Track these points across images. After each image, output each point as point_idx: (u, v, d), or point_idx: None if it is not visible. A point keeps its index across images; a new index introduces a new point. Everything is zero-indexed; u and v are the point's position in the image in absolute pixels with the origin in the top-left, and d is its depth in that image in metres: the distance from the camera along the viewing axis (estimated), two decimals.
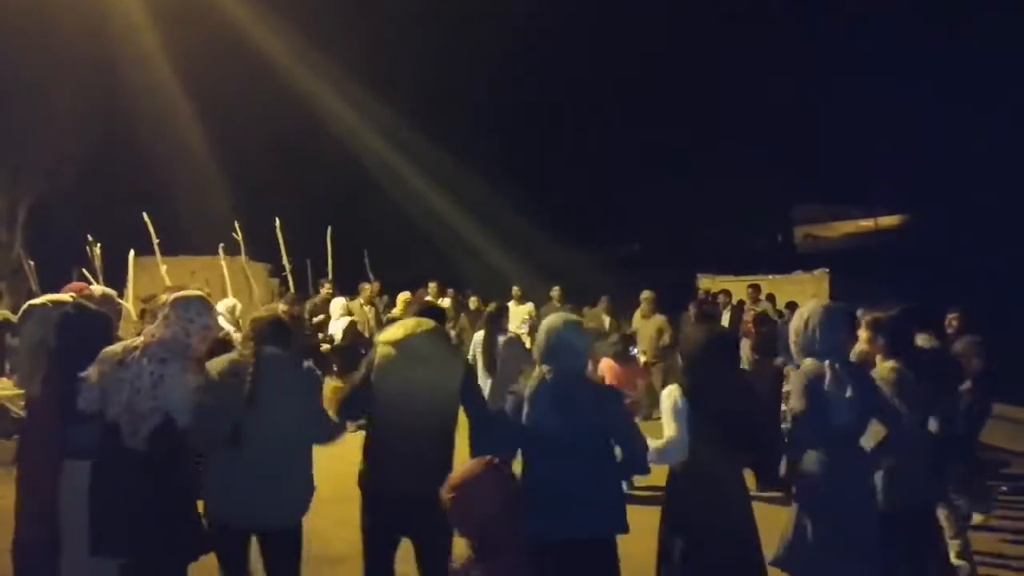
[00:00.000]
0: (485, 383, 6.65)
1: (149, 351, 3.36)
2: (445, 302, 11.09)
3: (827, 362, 3.22)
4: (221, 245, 11.13)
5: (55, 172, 15.49)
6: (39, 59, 13.91)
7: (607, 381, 6.81)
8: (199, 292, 3.78)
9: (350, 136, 18.92)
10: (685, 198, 26.84)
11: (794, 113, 26.16)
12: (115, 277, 9.71)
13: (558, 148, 25.84)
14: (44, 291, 10.06)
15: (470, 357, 7.08)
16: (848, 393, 3.16)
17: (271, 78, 17.28)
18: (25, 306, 4.25)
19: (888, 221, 29.96)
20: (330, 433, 3.48)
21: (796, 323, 3.38)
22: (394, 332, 3.53)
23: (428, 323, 3.54)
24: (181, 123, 16.46)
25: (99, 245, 10.04)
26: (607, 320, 9.96)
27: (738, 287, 12.11)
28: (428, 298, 10.99)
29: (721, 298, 11.30)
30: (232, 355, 3.45)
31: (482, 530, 2.35)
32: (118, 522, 3.21)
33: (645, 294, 9.79)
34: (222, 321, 9.01)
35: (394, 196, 20.40)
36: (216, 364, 3.38)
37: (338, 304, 9.35)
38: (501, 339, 6.55)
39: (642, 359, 8.00)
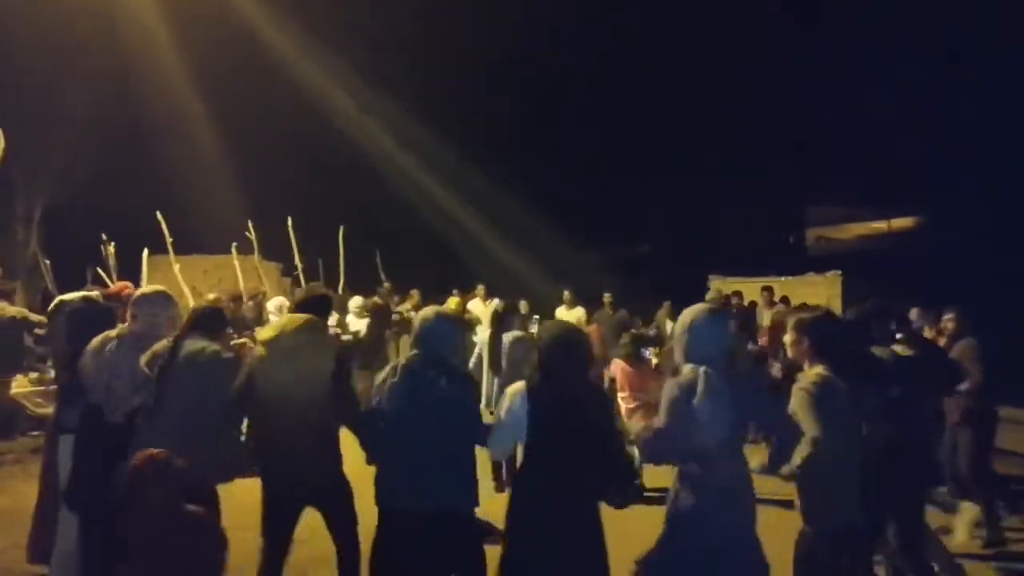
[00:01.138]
0: (491, 382, 6.62)
1: (126, 342, 3.88)
2: (491, 305, 11.06)
3: (701, 370, 2.99)
4: (234, 244, 11.20)
5: (70, 172, 15.59)
6: (54, 61, 14.02)
7: (618, 383, 6.78)
8: (159, 288, 4.25)
9: (362, 136, 19.00)
10: (696, 199, 26.77)
11: (807, 114, 26.04)
12: (129, 276, 9.77)
13: (568, 148, 25.82)
14: (60, 289, 10.18)
15: (475, 356, 7.04)
16: (719, 406, 2.92)
17: (284, 79, 17.38)
18: (56, 301, 4.88)
19: (902, 223, 29.75)
20: (233, 420, 3.77)
21: (678, 325, 3.20)
22: (268, 332, 3.77)
23: (299, 319, 3.73)
24: (194, 124, 16.57)
25: (113, 244, 10.11)
26: (670, 325, 9.80)
27: (750, 288, 12.06)
28: (475, 299, 11.05)
29: (734, 300, 11.26)
30: (157, 346, 3.78)
31: (147, 516, 2.58)
32: (92, 484, 3.68)
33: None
34: (274, 320, 9.23)
35: (405, 196, 20.47)
36: (144, 355, 3.79)
37: (355, 303, 9.49)
38: (507, 338, 6.51)
39: (654, 361, 7.94)
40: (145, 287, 4.26)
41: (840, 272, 14.23)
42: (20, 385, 8.02)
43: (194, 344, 3.68)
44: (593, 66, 25.21)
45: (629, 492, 3.24)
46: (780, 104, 26.41)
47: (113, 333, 4.00)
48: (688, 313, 3.19)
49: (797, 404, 3.14)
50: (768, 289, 11.06)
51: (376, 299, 9.82)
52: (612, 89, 26.37)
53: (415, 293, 11.00)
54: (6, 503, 6.10)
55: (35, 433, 8.11)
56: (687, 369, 3.08)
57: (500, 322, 6.76)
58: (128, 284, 5.33)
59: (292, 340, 3.63)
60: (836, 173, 27.29)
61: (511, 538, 3.13)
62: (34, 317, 6.64)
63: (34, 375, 8.09)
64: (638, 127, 27.32)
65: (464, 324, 3.72)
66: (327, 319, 4.05)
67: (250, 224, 11.36)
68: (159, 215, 10.23)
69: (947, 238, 21.33)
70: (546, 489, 3.06)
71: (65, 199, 15.66)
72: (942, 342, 5.69)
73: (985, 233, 19.54)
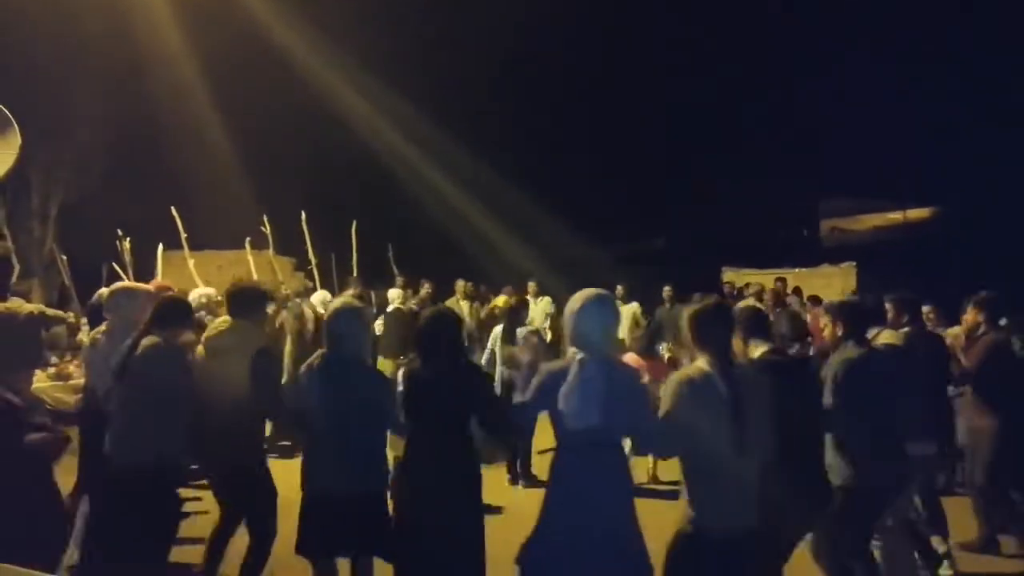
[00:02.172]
0: (504, 377, 6.60)
1: (116, 336, 4.24)
2: (542, 302, 11.10)
3: (577, 357, 3.00)
4: (248, 239, 11.26)
5: (85, 169, 15.73)
6: (68, 59, 14.13)
7: None
8: (122, 285, 4.82)
9: (375, 131, 19.01)
10: (710, 192, 26.65)
11: (820, 105, 25.84)
12: (144, 272, 9.86)
13: (582, 142, 25.75)
14: (77, 286, 10.27)
15: (488, 351, 7.05)
16: (585, 394, 2.91)
17: (297, 74, 17.41)
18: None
19: (917, 214, 29.49)
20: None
21: (566, 309, 3.20)
22: (208, 331, 4.18)
23: (226, 320, 4.12)
24: (208, 120, 16.64)
25: (128, 240, 10.19)
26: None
27: (763, 280, 12.01)
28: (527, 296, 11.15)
29: (747, 291, 11.20)
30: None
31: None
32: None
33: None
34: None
35: (417, 192, 20.48)
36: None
37: (396, 294, 9.60)
38: (520, 332, 6.52)
39: (667, 355, 7.93)
40: (109, 287, 4.76)
41: (855, 264, 14.14)
42: (39, 380, 8.12)
43: (148, 339, 3.93)
44: (608, 62, 25.11)
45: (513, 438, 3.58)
46: (794, 97, 26.21)
47: (102, 328, 4.44)
48: (575, 298, 3.16)
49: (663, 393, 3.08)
50: (781, 280, 11.00)
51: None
52: (627, 84, 26.26)
53: (461, 283, 11.21)
54: None
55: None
56: (569, 353, 3.11)
57: (512, 316, 6.77)
58: (166, 284, 5.82)
59: (219, 339, 4.02)
60: (850, 164, 27.08)
61: (397, 515, 3.48)
62: (51, 312, 6.70)
63: (52, 370, 8.18)
64: (651, 122, 27.22)
65: (366, 316, 4.02)
66: (255, 314, 4.23)
67: (264, 219, 11.42)
68: (173, 211, 10.30)
69: (964, 228, 21.12)
70: (424, 466, 3.35)
71: (81, 196, 15.80)
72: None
73: (1002, 223, 19.32)
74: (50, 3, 13.35)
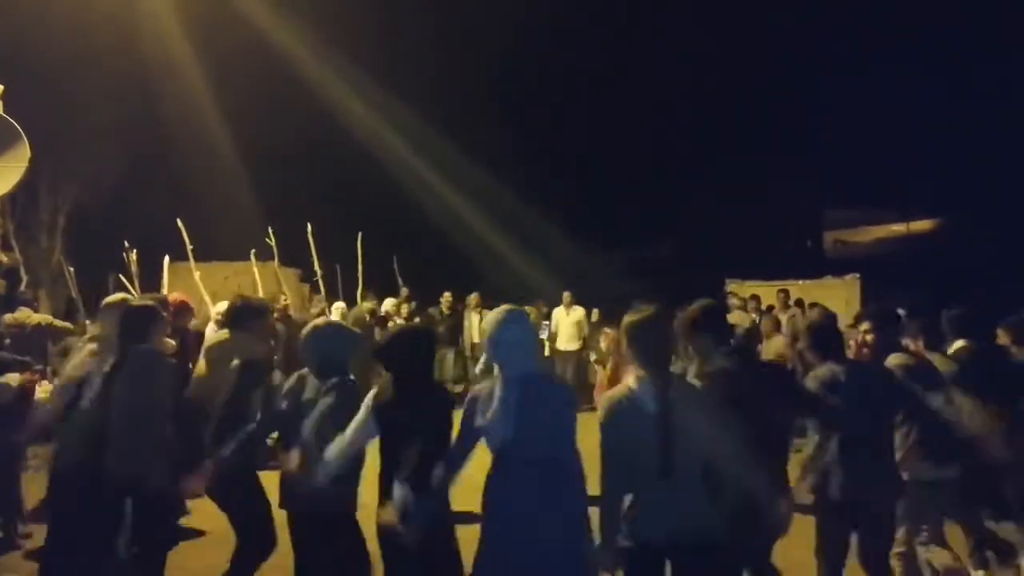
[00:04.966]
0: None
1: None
2: (575, 312, 11.23)
3: (498, 374, 3.09)
4: (253, 251, 11.31)
5: (92, 182, 15.82)
6: (76, 72, 14.25)
7: None
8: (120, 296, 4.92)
9: (381, 143, 19.12)
10: (714, 203, 26.70)
11: (823, 118, 25.91)
12: (150, 283, 9.91)
13: (586, 154, 25.83)
14: (84, 297, 10.34)
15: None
16: (497, 407, 2.98)
17: (303, 87, 17.54)
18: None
19: (921, 225, 29.49)
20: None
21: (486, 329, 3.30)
22: (207, 344, 4.72)
23: (226, 333, 4.50)
24: (214, 132, 16.76)
25: (135, 252, 10.24)
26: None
27: (767, 292, 12.01)
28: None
29: (750, 304, 11.20)
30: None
31: None
32: None
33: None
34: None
35: (423, 202, 20.55)
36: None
37: (338, 309, 9.72)
38: None
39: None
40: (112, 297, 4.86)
41: (858, 275, 14.13)
42: (45, 390, 8.14)
43: (142, 350, 4.07)
44: (615, 70, 25.21)
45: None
46: (797, 109, 26.28)
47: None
48: (494, 316, 3.30)
49: None
50: (784, 292, 11.01)
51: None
52: (631, 94, 26.36)
53: (476, 296, 11.83)
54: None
55: None
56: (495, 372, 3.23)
57: None
58: (181, 299, 6.10)
59: (218, 353, 4.34)
60: (854, 176, 27.11)
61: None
62: (59, 324, 6.75)
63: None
64: (659, 132, 27.31)
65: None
66: (253, 327, 4.43)
67: (270, 230, 11.48)
68: (179, 223, 10.35)
69: (967, 239, 21.10)
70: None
71: (88, 208, 15.89)
72: None
73: (1006, 235, 19.30)
74: (58, 16, 13.49)
